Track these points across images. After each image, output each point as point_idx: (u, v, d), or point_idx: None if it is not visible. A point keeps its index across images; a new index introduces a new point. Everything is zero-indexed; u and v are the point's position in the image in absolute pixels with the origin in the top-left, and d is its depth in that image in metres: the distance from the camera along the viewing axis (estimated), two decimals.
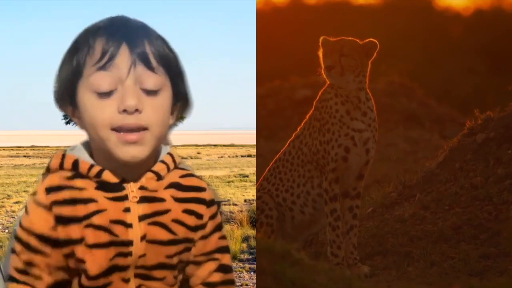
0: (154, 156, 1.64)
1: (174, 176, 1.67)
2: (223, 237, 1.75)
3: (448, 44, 11.52)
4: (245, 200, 13.70)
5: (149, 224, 1.61)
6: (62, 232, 1.57)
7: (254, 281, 6.78)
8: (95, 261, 1.57)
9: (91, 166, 1.59)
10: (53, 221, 1.57)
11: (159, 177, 1.64)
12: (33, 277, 1.59)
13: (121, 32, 1.55)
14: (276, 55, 10.51)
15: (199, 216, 1.68)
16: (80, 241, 1.57)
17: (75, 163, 1.60)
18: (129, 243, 1.59)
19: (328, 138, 3.81)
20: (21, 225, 1.60)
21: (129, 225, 1.59)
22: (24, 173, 22.33)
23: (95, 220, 1.57)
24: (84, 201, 1.58)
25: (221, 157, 36.09)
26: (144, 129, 1.53)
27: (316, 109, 3.88)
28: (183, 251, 1.66)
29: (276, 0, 12.10)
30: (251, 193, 14.76)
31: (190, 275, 1.72)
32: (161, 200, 1.64)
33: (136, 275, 1.61)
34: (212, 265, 1.72)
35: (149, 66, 1.54)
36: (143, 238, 1.60)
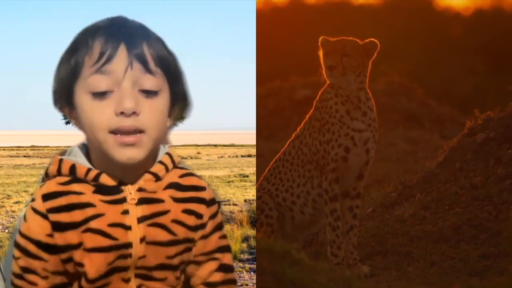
0: (152, 157, 1.64)
1: (173, 176, 1.67)
2: (224, 237, 1.74)
3: (448, 44, 11.52)
4: (245, 200, 13.70)
5: (149, 225, 1.61)
6: (60, 239, 1.57)
7: (254, 281, 6.78)
8: (93, 265, 1.57)
9: (88, 170, 1.59)
10: (50, 228, 1.58)
11: (157, 178, 1.63)
12: (29, 282, 1.60)
13: (120, 33, 1.54)
14: (276, 55, 10.51)
15: (199, 215, 1.68)
16: (78, 246, 1.57)
17: (72, 168, 1.60)
18: (129, 245, 1.59)
19: (328, 138, 3.81)
20: (20, 232, 1.61)
21: (128, 228, 1.59)
22: (24, 173, 22.33)
23: (93, 224, 1.57)
24: (82, 206, 1.58)
25: (221, 157, 36.09)
26: (141, 131, 1.53)
27: (316, 109, 3.88)
28: (184, 251, 1.66)
29: (276, 0, 12.10)
30: (251, 193, 14.76)
31: (191, 275, 1.71)
32: (160, 201, 1.63)
33: (137, 275, 1.61)
34: (212, 265, 1.71)
35: (147, 68, 1.54)
36: (142, 240, 1.59)
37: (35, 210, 1.59)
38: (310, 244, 4.05)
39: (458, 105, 8.40)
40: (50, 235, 1.58)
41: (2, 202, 13.74)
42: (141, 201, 1.61)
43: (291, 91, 7.99)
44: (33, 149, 46.01)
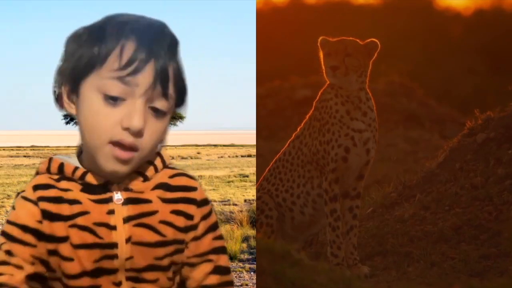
0: None
1: (163, 177, 1.65)
2: (218, 238, 1.70)
3: (448, 44, 11.51)
4: (245, 200, 13.71)
5: (134, 225, 1.59)
6: (47, 227, 1.56)
7: (254, 281, 6.78)
8: (77, 261, 1.55)
9: (76, 169, 1.59)
10: (40, 214, 1.56)
11: (145, 178, 1.61)
12: (13, 266, 1.56)
13: (153, 44, 1.49)
14: (276, 55, 10.50)
15: (188, 216, 1.65)
16: (64, 239, 1.56)
17: (61, 166, 1.60)
18: (114, 245, 1.57)
19: (328, 138, 3.81)
20: (7, 221, 1.60)
21: (113, 227, 1.57)
22: (24, 173, 22.34)
23: (79, 221, 1.56)
24: (69, 201, 1.57)
25: (221, 157, 36.11)
26: (136, 150, 1.51)
27: (316, 109, 3.88)
28: (174, 253, 1.63)
29: (276, 0, 12.10)
30: (251, 193, 14.76)
31: (186, 277, 1.68)
32: (147, 201, 1.61)
33: (128, 278, 1.59)
34: (207, 267, 1.68)
35: (165, 92, 1.51)
36: (128, 240, 1.57)
37: (25, 198, 1.58)
38: (310, 244, 4.05)
39: (458, 105, 8.39)
40: (39, 222, 1.56)
41: (2, 202, 13.75)
42: (128, 201, 1.59)
43: (291, 91, 7.98)
44: (33, 149, 46.04)
